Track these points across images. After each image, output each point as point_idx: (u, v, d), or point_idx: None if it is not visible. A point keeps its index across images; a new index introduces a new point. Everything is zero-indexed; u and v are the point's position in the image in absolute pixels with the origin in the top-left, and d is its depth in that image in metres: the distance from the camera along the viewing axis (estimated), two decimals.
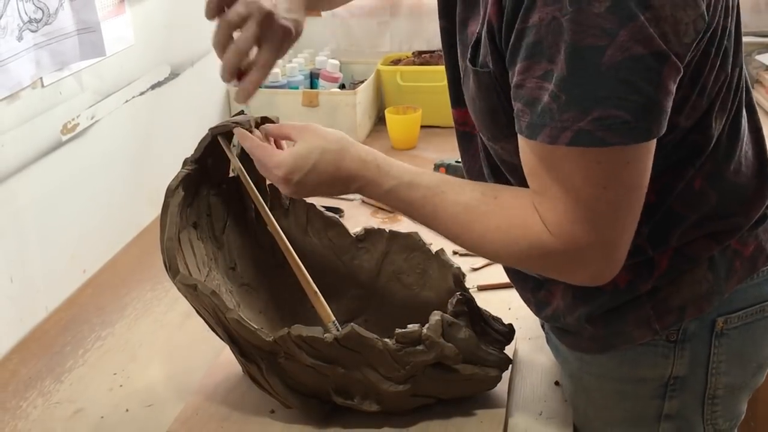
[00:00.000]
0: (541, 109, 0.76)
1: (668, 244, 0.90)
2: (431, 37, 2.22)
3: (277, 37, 0.95)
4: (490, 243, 0.87)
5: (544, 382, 1.10)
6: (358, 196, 1.71)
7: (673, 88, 0.76)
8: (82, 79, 1.42)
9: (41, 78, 1.31)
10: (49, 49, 1.30)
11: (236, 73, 0.96)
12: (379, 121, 2.16)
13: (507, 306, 1.25)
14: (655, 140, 0.78)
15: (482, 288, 1.33)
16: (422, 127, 2.03)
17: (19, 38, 1.23)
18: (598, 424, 1.01)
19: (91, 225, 1.47)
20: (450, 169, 1.78)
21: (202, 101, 1.90)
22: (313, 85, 2.11)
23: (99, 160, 1.48)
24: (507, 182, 0.94)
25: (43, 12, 1.28)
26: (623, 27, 0.71)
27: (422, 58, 2.18)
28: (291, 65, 2.09)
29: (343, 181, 0.92)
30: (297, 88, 2.05)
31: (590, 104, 0.74)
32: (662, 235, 0.89)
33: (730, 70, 0.86)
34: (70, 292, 1.41)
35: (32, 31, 1.26)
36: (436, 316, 0.96)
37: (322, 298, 1.03)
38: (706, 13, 0.76)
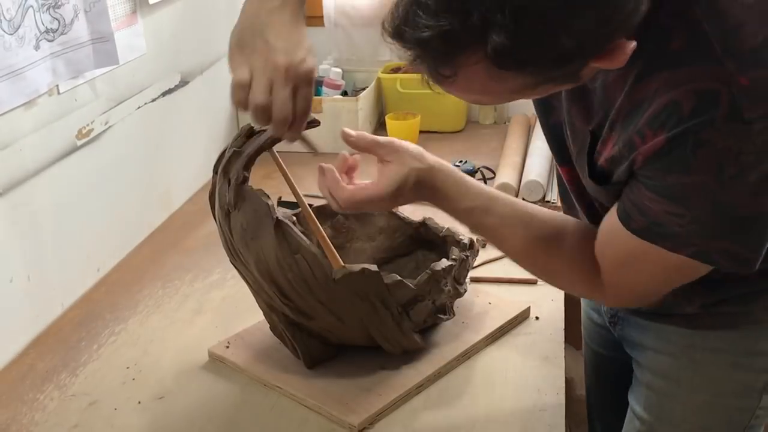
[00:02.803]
0: (665, 230, 0.82)
1: None
2: None
3: (306, 81, 0.92)
4: (550, 279, 1.01)
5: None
6: None
7: None
8: (97, 86, 1.44)
9: (57, 85, 1.33)
10: (65, 58, 1.32)
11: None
12: (380, 126, 2.20)
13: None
14: None
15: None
16: (421, 132, 2.07)
17: (36, 47, 1.24)
18: (705, 396, 1.05)
19: (105, 226, 1.49)
20: None
21: (210, 107, 1.92)
22: (316, 92, 2.12)
23: (112, 163, 1.50)
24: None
25: (59, 22, 1.30)
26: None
27: None
28: None
29: (428, 193, 0.97)
30: None
31: (721, 240, 0.81)
32: None
33: None
34: (85, 290, 1.43)
35: (49, 41, 1.27)
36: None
37: (331, 245, 1.09)
38: None
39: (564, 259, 0.95)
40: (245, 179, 1.03)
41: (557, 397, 1.09)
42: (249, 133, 1.06)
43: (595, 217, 0.98)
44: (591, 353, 1.32)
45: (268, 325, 1.17)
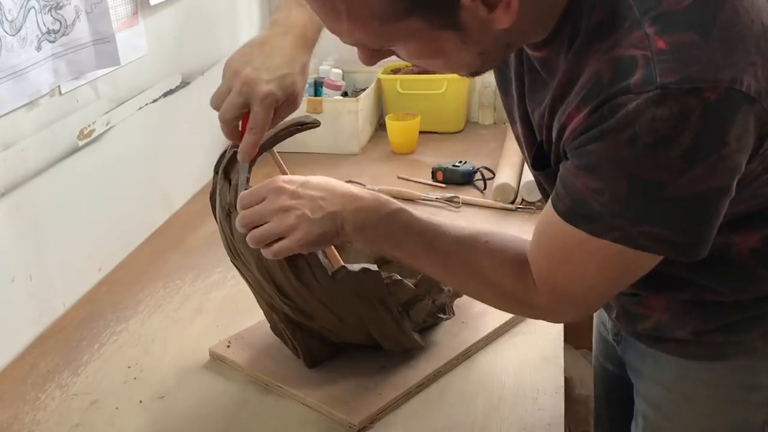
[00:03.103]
0: (588, 210, 0.76)
1: None
2: None
3: (259, 100, 0.96)
4: (478, 283, 0.91)
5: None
6: None
7: (723, 211, 0.76)
8: (98, 87, 1.44)
9: (59, 86, 1.33)
10: (67, 59, 1.32)
11: (234, 136, 0.99)
12: (380, 127, 2.20)
13: None
14: None
15: None
16: (420, 132, 2.07)
17: (38, 48, 1.25)
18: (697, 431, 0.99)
19: (107, 226, 1.49)
20: (447, 173, 1.82)
21: (211, 108, 1.94)
22: (317, 92, 2.15)
23: (113, 164, 1.51)
24: None
25: (60, 23, 1.30)
26: (693, 168, 0.71)
27: (420, 67, 2.21)
28: None
29: (341, 195, 0.94)
30: None
31: (642, 222, 0.75)
32: None
33: None
34: (87, 290, 1.44)
35: (50, 42, 1.28)
36: None
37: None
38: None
39: (489, 251, 0.89)
40: (246, 179, 1.04)
41: (556, 396, 1.09)
42: None
43: None
44: (599, 366, 1.28)
45: (269, 325, 1.18)
